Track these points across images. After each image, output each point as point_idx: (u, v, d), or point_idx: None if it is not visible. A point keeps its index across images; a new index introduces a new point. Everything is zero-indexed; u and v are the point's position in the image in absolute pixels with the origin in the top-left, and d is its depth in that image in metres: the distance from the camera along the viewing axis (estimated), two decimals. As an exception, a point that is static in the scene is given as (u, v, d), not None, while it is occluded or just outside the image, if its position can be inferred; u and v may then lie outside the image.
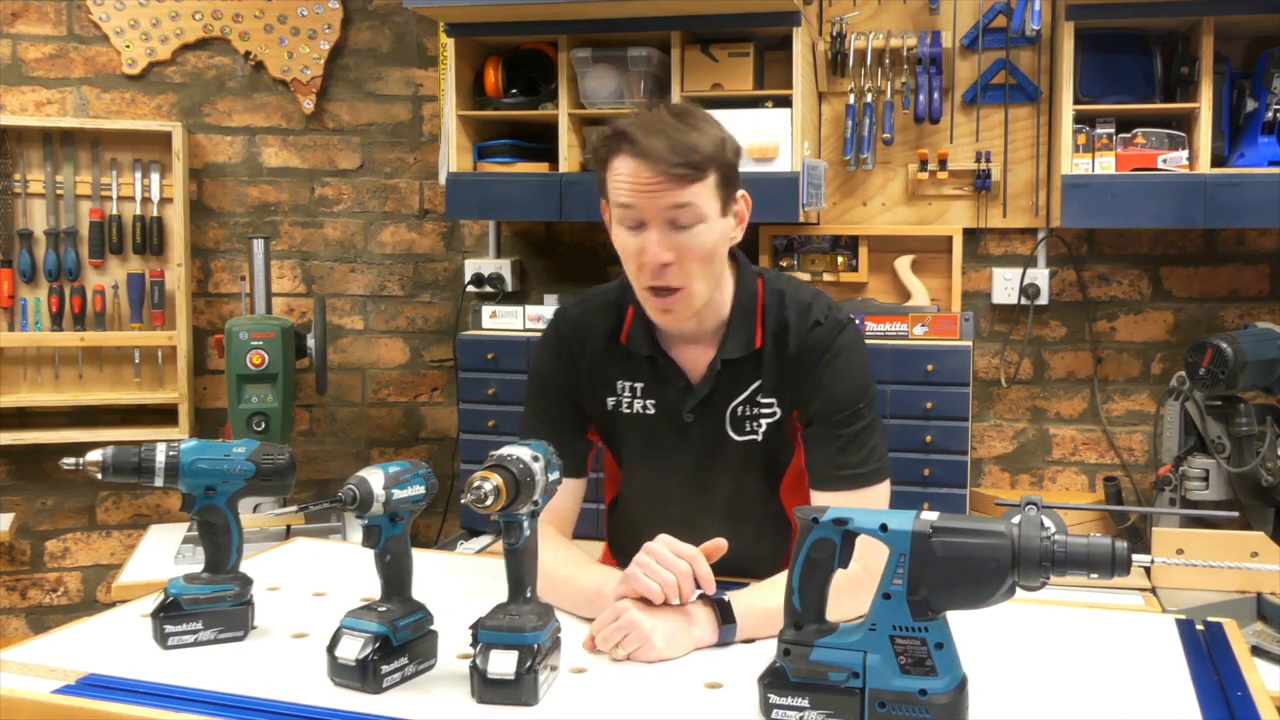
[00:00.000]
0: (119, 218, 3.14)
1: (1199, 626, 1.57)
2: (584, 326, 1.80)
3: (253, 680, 1.35)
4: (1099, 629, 1.57)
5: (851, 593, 1.39)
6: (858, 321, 2.39)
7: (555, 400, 1.81)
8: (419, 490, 1.39)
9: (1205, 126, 2.62)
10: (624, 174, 1.58)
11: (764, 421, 1.73)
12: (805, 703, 1.20)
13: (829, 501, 1.58)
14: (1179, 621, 1.59)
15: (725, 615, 1.49)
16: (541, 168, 2.96)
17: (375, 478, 1.34)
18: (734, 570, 1.76)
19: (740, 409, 1.73)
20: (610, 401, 1.79)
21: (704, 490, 1.78)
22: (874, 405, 1.70)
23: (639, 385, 1.77)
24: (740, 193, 1.67)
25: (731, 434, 1.74)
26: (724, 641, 1.49)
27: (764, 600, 1.50)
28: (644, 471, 1.82)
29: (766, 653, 1.28)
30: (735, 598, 1.52)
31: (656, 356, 1.74)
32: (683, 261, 1.59)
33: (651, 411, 1.77)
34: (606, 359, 1.78)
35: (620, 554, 1.90)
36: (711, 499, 1.78)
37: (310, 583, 1.75)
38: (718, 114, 2.70)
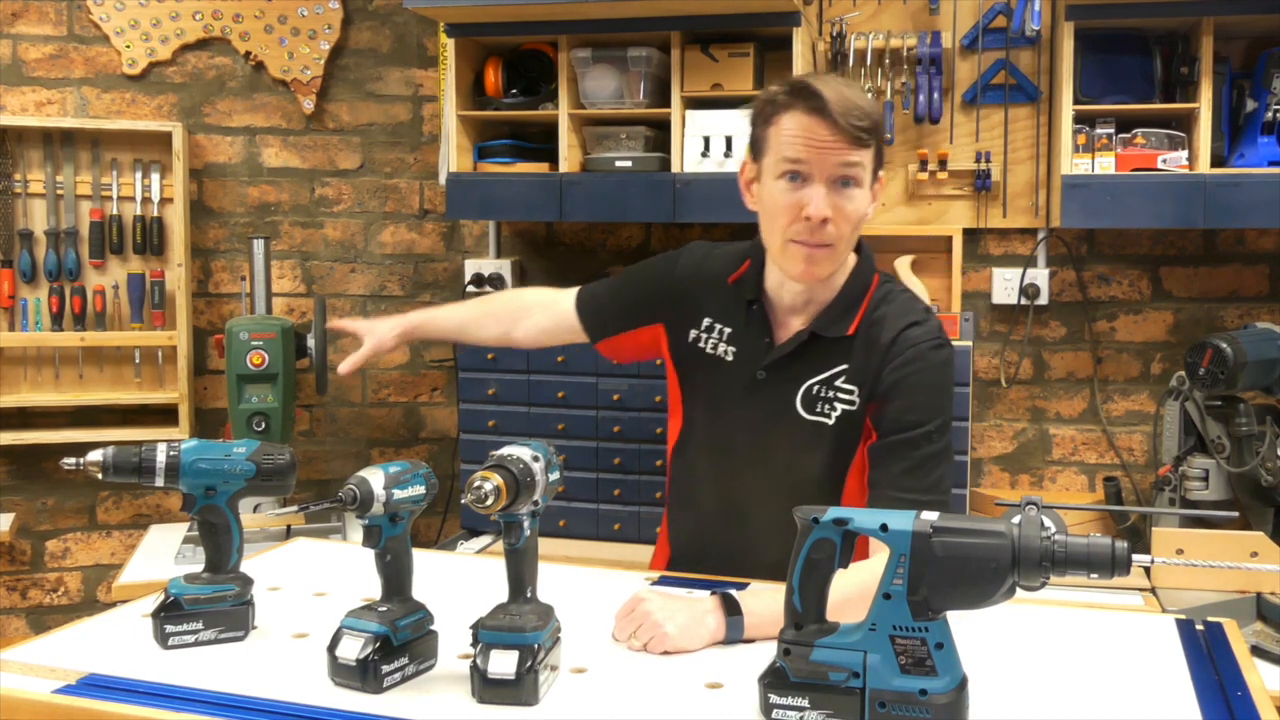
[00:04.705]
0: (119, 218, 3.14)
1: (1199, 626, 1.57)
2: (706, 259, 1.90)
3: (253, 680, 1.35)
4: (1099, 629, 1.58)
5: (866, 602, 1.39)
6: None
7: (632, 289, 1.97)
8: (419, 490, 1.39)
9: (1205, 126, 2.62)
10: (799, 128, 1.64)
11: (840, 407, 1.74)
12: (805, 703, 1.20)
13: None
14: (1179, 621, 1.59)
15: (731, 608, 1.49)
16: (541, 168, 2.96)
17: (375, 478, 1.34)
18: (779, 557, 1.75)
19: (816, 388, 1.75)
20: (692, 334, 1.86)
21: (763, 457, 1.80)
22: (947, 433, 1.70)
23: (727, 329, 1.83)
24: (882, 173, 1.75)
25: (800, 409, 1.76)
26: (731, 637, 1.49)
27: (774, 601, 1.50)
28: (709, 419, 1.86)
29: (766, 653, 1.28)
30: (744, 596, 1.52)
31: (756, 303, 1.80)
32: (837, 221, 1.67)
33: (729, 359, 1.82)
34: (707, 294, 1.86)
35: (678, 498, 1.94)
36: (770, 468, 1.80)
37: (310, 583, 1.75)
38: (717, 114, 2.77)
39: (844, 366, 1.74)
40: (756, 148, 1.73)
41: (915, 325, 1.72)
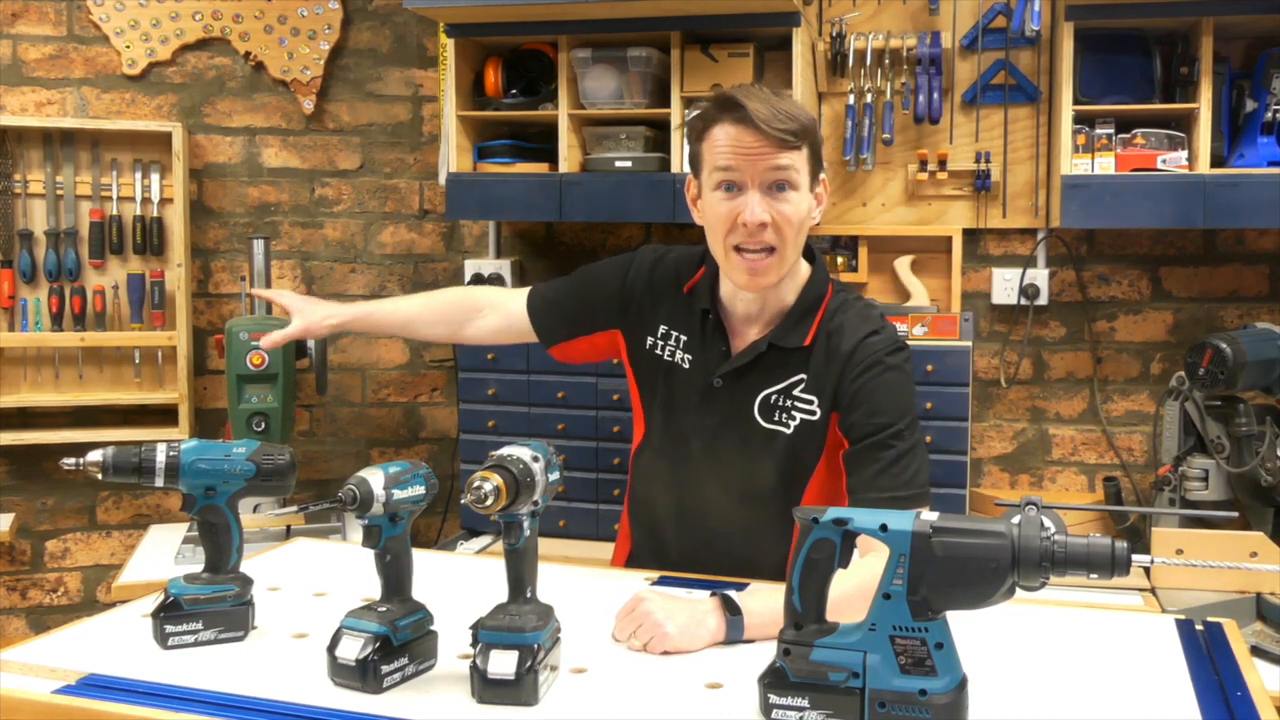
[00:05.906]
0: (119, 218, 3.14)
1: (1198, 626, 1.57)
2: (661, 265, 1.90)
3: (253, 680, 1.35)
4: (1099, 629, 1.58)
5: (867, 599, 1.39)
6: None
7: (583, 297, 1.94)
8: (419, 490, 1.39)
9: (1205, 127, 2.62)
10: (727, 139, 1.66)
11: (799, 416, 1.76)
12: (805, 703, 1.20)
13: None
14: (1178, 621, 1.59)
15: (731, 608, 1.50)
16: (541, 168, 2.96)
17: (375, 478, 1.34)
18: (739, 557, 1.78)
19: (774, 397, 1.77)
20: (649, 341, 1.87)
21: (720, 463, 1.81)
22: (916, 430, 1.72)
23: (683, 337, 1.84)
24: (823, 175, 1.76)
25: (757, 417, 1.78)
26: (732, 638, 1.49)
27: (773, 601, 1.50)
28: (667, 424, 1.87)
29: (766, 653, 1.28)
30: (744, 596, 1.52)
31: (711, 313, 1.81)
32: (777, 225, 1.68)
33: (686, 366, 1.83)
34: (664, 300, 1.87)
35: (638, 498, 1.95)
36: (726, 474, 1.81)
37: (310, 583, 1.75)
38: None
39: (801, 376, 1.76)
40: (694, 164, 1.76)
41: (874, 334, 1.74)
